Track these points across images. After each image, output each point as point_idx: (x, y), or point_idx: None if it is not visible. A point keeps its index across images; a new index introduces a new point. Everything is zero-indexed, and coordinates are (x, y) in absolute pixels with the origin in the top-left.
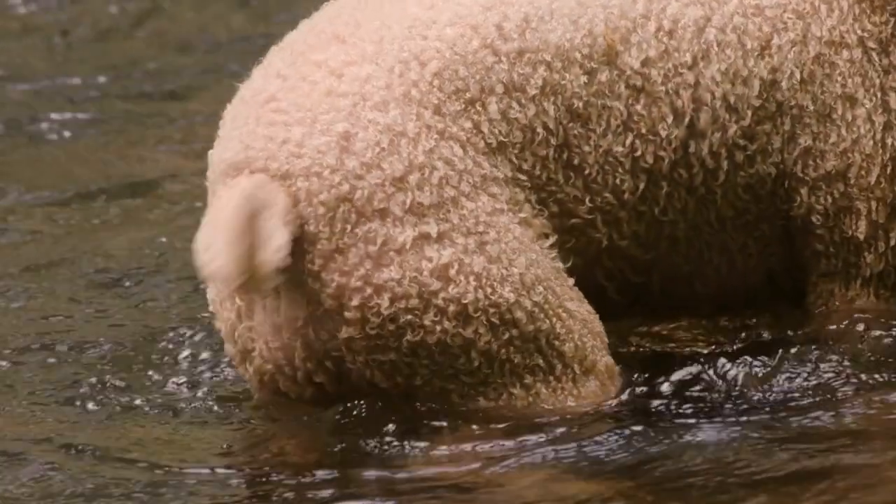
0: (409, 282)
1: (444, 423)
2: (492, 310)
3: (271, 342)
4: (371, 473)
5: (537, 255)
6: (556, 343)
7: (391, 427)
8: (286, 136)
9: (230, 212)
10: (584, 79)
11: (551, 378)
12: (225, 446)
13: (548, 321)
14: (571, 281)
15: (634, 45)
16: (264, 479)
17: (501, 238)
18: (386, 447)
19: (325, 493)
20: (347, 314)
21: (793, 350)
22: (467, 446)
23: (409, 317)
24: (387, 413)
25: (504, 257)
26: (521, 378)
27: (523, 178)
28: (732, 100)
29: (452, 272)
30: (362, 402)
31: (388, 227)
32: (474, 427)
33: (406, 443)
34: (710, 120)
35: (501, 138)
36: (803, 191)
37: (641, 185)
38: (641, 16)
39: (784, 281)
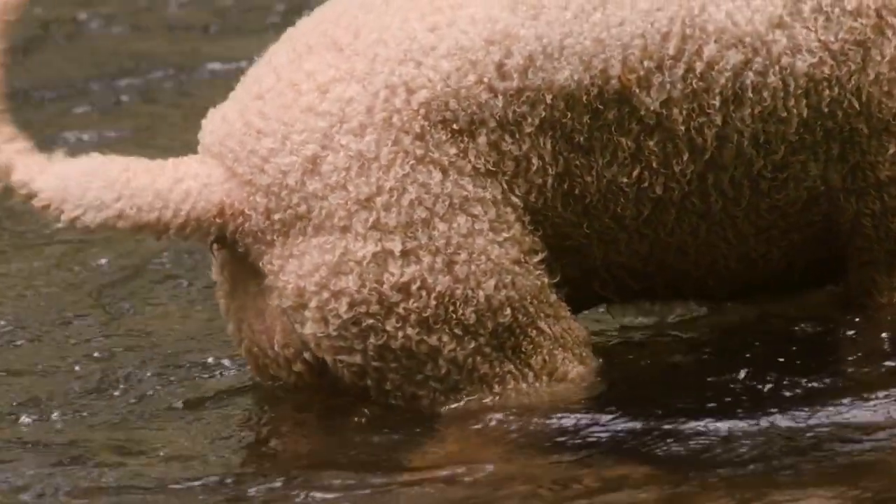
0: (368, 291)
1: (426, 424)
2: (454, 322)
3: (254, 325)
4: (356, 476)
5: (514, 276)
6: (524, 356)
7: (375, 429)
8: (254, 147)
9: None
10: (587, 118)
11: (523, 385)
12: (211, 448)
13: (513, 339)
14: (554, 297)
15: (655, 86)
16: (256, 482)
17: (473, 260)
18: (371, 450)
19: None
20: (308, 313)
21: (808, 346)
22: (447, 446)
23: (371, 321)
24: (369, 416)
25: (472, 279)
26: (490, 386)
27: (517, 200)
28: (762, 138)
29: (414, 288)
30: (351, 404)
31: (349, 241)
32: (454, 428)
33: (390, 444)
34: (734, 155)
35: (490, 167)
36: (852, 199)
37: (646, 212)
38: (671, 57)
39: (806, 271)
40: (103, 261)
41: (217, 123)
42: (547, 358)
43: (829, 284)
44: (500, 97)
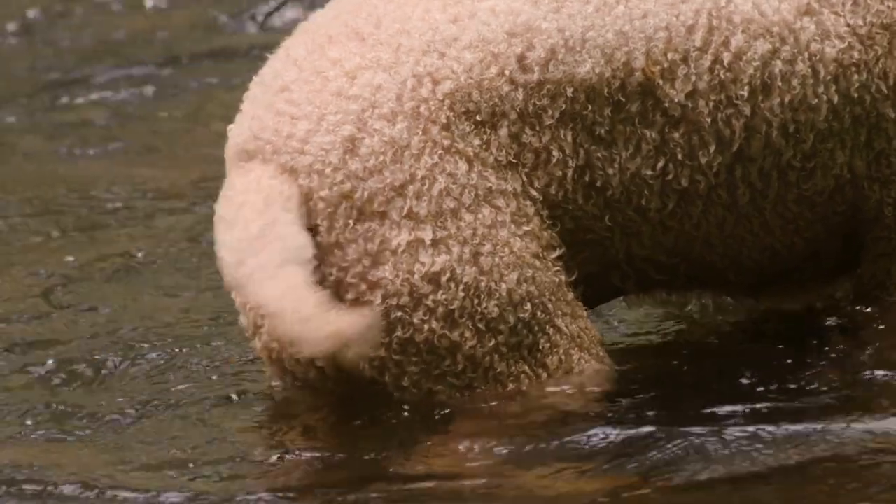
0: (401, 282)
1: (436, 425)
2: (477, 317)
3: None
4: (363, 478)
5: (534, 271)
6: (539, 356)
7: (387, 430)
8: (291, 131)
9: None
10: (608, 110)
11: (538, 385)
12: (221, 449)
13: (531, 336)
14: (571, 295)
15: (680, 78)
16: (264, 480)
17: (497, 251)
18: (381, 450)
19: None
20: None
21: (818, 345)
22: (458, 448)
23: (399, 314)
24: (381, 416)
25: (496, 271)
26: (504, 385)
27: (536, 193)
28: (792, 128)
29: (444, 279)
30: (359, 406)
31: (386, 229)
32: (463, 428)
33: (399, 445)
34: (763, 146)
35: (511, 159)
36: (876, 187)
37: (671, 205)
38: (697, 48)
39: (828, 260)
40: (70, 258)
41: (245, 124)
42: (563, 357)
43: (846, 278)
44: (521, 90)
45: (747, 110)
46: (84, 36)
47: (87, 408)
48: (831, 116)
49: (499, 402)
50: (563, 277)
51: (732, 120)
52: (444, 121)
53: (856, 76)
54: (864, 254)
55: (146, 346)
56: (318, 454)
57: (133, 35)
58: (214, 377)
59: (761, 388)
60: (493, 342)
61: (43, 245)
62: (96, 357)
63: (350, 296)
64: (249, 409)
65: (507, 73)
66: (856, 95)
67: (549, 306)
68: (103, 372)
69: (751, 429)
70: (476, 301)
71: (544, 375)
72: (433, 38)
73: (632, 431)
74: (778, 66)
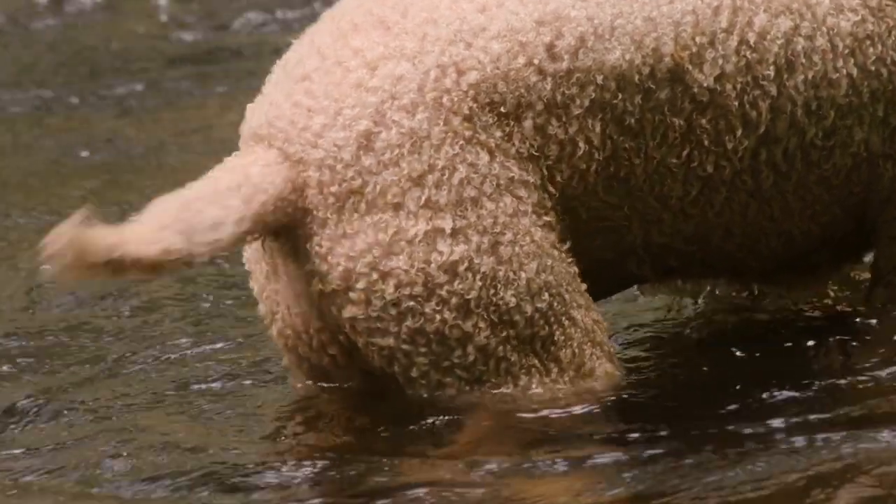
0: (416, 272)
1: (441, 426)
2: (492, 308)
3: (292, 308)
4: (366, 480)
5: (553, 261)
6: (553, 349)
7: (389, 429)
8: (306, 124)
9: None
10: (638, 98)
11: (547, 380)
12: (216, 453)
13: (547, 327)
14: (584, 287)
15: (708, 61)
16: (269, 481)
17: (517, 241)
18: (383, 457)
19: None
20: (352, 295)
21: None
22: (463, 456)
23: (412, 303)
24: (383, 423)
25: (515, 260)
26: (515, 378)
27: (553, 189)
28: (815, 105)
29: (461, 269)
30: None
31: (401, 219)
32: (469, 436)
33: (400, 453)
34: (788, 126)
35: (533, 152)
36: (889, 165)
37: (694, 192)
38: (723, 30)
39: (840, 245)
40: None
41: (264, 108)
42: (576, 351)
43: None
44: (549, 79)
45: (773, 90)
46: (32, 51)
47: (86, 402)
48: (850, 91)
49: (506, 410)
50: (575, 269)
51: (759, 101)
52: (467, 112)
53: (871, 49)
54: (875, 238)
55: (137, 348)
56: (318, 461)
57: (90, 47)
58: (205, 380)
59: (776, 396)
60: (506, 333)
61: (29, 246)
62: (85, 356)
63: (360, 286)
64: (244, 412)
65: (535, 62)
66: (873, 68)
67: (566, 297)
68: (94, 371)
69: (762, 439)
70: (492, 291)
71: (555, 370)
72: (460, 28)
73: (639, 442)
74: (800, 42)
